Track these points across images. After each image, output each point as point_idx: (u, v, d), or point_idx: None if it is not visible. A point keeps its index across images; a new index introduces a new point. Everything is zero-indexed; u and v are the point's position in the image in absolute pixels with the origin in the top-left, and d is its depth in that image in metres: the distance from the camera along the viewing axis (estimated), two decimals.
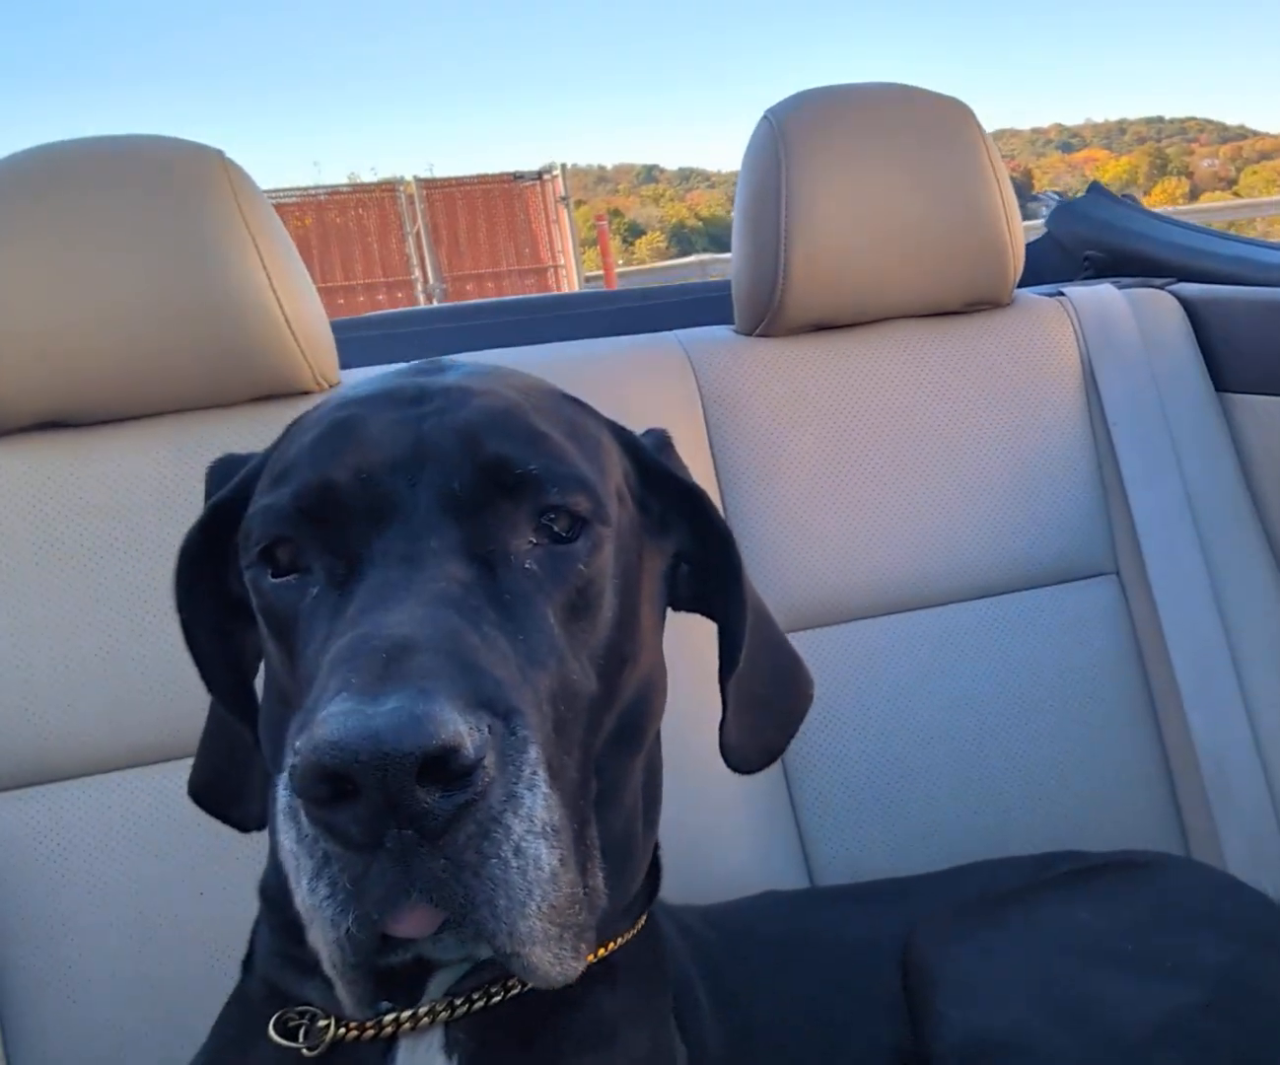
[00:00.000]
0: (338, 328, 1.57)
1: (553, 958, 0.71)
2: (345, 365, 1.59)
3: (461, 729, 0.64)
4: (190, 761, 1.35)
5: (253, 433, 1.45)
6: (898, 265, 1.67)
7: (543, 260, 14.44)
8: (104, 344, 1.38)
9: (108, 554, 1.39)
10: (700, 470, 1.53)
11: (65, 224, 1.37)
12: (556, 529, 0.81)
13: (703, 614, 1.00)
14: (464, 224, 14.25)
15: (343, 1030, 0.85)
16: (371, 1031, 0.84)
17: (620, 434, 0.95)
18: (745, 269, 1.70)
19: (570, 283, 14.21)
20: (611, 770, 0.85)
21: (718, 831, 1.45)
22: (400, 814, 0.64)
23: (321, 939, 0.69)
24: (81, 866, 1.33)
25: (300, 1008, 0.88)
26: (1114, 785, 1.60)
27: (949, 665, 1.59)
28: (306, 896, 0.68)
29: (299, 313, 1.45)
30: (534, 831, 0.68)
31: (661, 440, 1.00)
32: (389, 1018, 0.84)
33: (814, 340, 1.70)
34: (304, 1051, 0.85)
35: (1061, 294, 1.83)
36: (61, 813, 1.34)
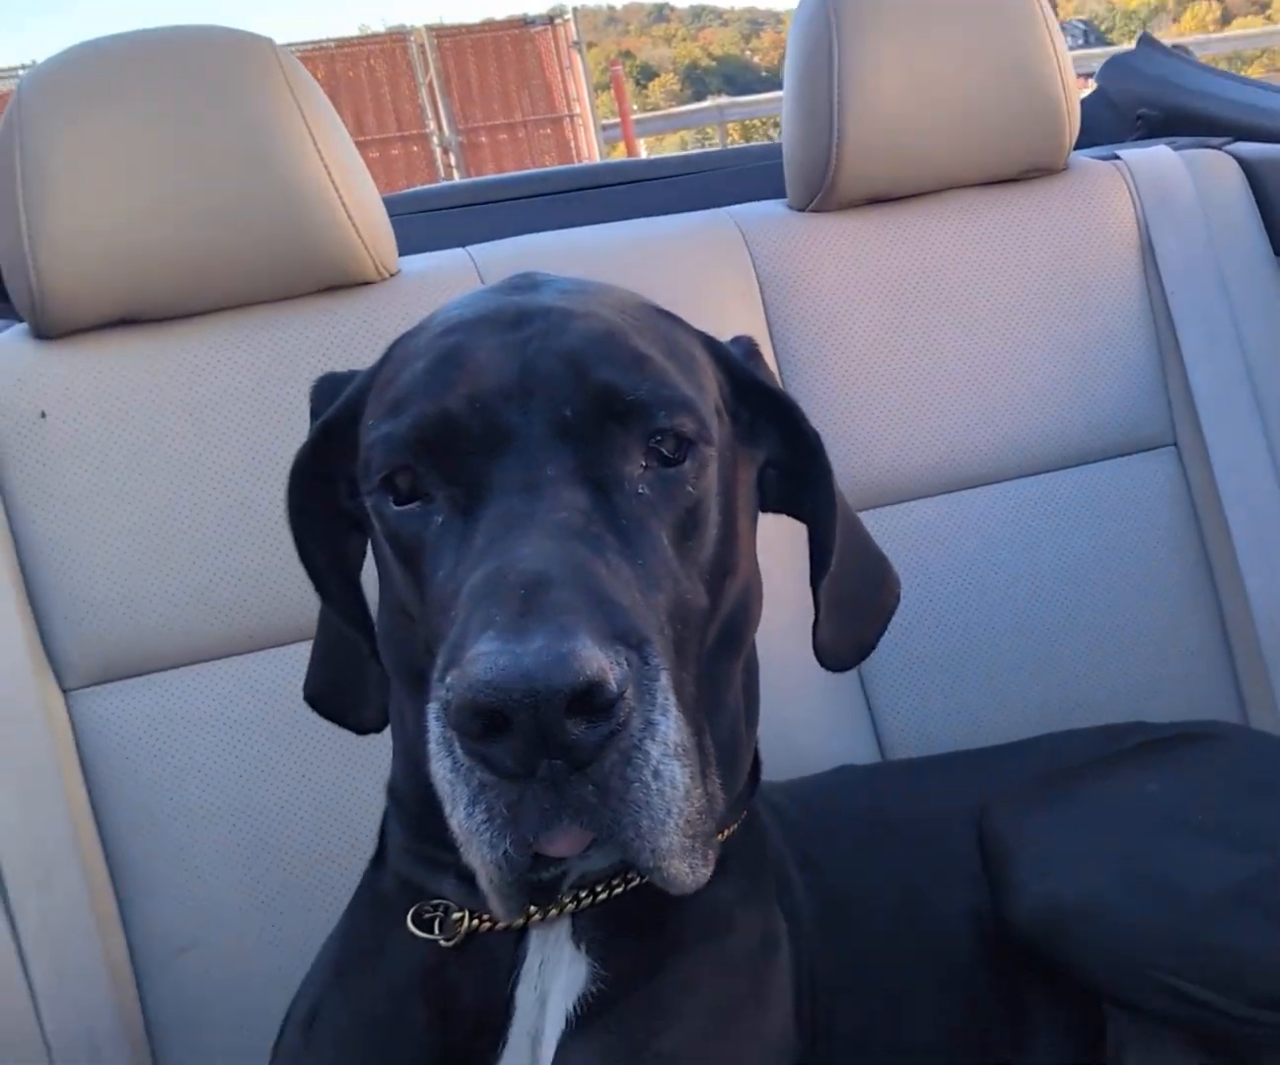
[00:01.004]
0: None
1: (688, 868, 0.76)
2: None
3: (604, 664, 0.68)
4: (283, 650, 1.40)
5: (320, 325, 1.47)
6: (952, 132, 1.65)
7: (557, 109, 14.12)
8: (167, 239, 1.39)
9: (187, 448, 1.42)
10: None
11: (121, 118, 1.37)
12: (664, 452, 0.83)
13: (789, 515, 1.03)
14: (475, 73, 13.91)
15: (476, 922, 0.91)
16: (504, 923, 0.89)
17: (712, 346, 0.96)
18: (797, 142, 1.68)
19: (587, 132, 13.94)
20: (716, 677, 0.89)
21: (791, 710, 1.48)
22: (551, 745, 0.68)
23: (479, 860, 0.74)
24: (185, 752, 1.38)
25: (434, 901, 0.93)
26: (1174, 654, 1.62)
27: (1010, 541, 1.62)
28: (464, 820, 0.72)
29: (358, 203, 1.45)
30: (669, 754, 0.73)
31: (749, 349, 1.01)
32: None
33: (869, 214, 1.68)
34: (441, 942, 0.91)
35: (1117, 157, 1.80)
36: (163, 701, 1.38)
